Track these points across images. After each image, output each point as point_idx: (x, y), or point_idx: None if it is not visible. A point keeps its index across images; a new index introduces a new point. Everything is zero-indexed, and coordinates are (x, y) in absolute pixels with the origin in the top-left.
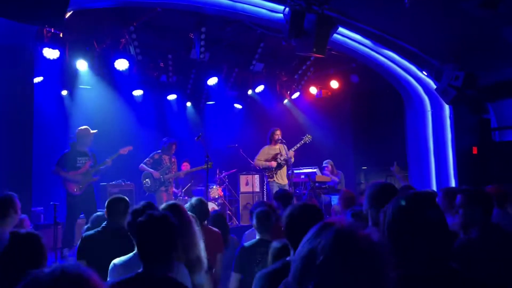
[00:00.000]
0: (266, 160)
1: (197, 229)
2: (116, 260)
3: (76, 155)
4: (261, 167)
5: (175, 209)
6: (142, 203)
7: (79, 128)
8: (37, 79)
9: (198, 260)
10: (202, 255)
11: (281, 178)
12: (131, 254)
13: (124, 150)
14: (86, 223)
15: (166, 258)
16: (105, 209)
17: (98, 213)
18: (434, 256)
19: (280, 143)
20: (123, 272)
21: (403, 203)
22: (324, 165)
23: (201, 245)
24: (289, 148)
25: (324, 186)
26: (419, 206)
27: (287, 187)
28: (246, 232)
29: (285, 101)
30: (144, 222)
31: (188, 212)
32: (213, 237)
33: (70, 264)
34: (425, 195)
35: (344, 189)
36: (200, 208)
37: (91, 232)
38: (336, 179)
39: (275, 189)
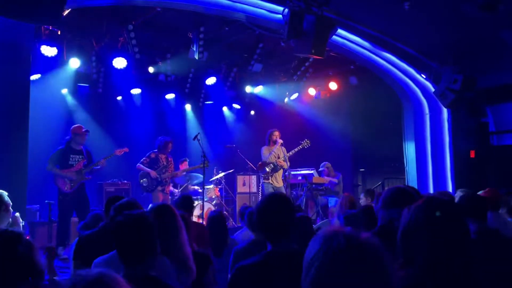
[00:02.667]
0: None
1: (185, 234)
2: (97, 260)
3: (69, 152)
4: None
5: (164, 210)
6: (125, 199)
7: (74, 125)
8: (35, 77)
9: (184, 264)
10: (189, 259)
11: (276, 181)
12: (112, 252)
13: (120, 151)
14: (79, 222)
15: (146, 258)
16: (104, 208)
17: (96, 212)
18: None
19: (280, 145)
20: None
21: (437, 213)
22: (321, 168)
23: (189, 250)
24: (287, 151)
25: (321, 187)
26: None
27: (282, 189)
28: (237, 232)
29: (285, 101)
30: (122, 221)
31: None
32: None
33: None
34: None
35: (345, 193)
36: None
37: (88, 231)
38: (335, 180)
39: (269, 190)
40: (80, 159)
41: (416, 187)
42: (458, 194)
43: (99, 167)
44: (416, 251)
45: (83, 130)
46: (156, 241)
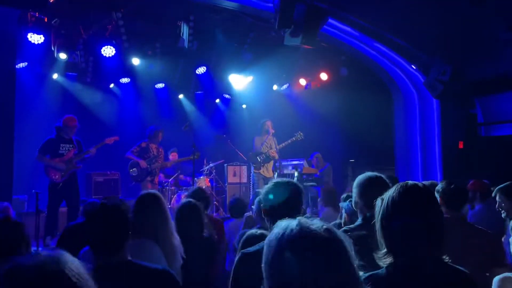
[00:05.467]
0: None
1: (172, 221)
2: (85, 249)
3: (59, 141)
4: (260, 152)
5: (153, 199)
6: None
7: (66, 116)
8: (22, 65)
9: (171, 248)
10: (176, 244)
11: (267, 171)
12: None
13: (110, 140)
14: (68, 212)
15: (118, 248)
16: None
17: (92, 200)
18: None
19: (272, 135)
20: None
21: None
22: (311, 158)
23: (176, 236)
24: (278, 143)
25: (311, 178)
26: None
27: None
28: (229, 222)
29: (274, 88)
30: (92, 213)
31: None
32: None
33: (52, 253)
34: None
35: (325, 184)
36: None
37: (74, 222)
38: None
39: (260, 181)
40: (70, 148)
41: (405, 177)
42: (440, 184)
43: (89, 155)
44: (395, 239)
45: (73, 123)
46: (127, 227)
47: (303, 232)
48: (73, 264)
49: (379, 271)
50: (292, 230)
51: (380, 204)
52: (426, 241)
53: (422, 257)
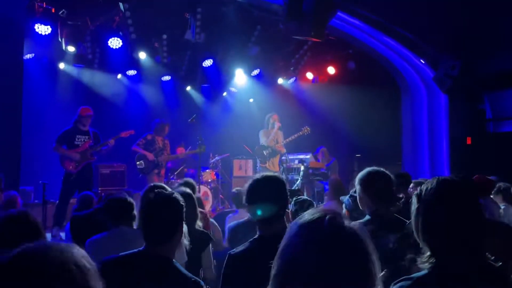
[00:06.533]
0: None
1: None
2: (91, 239)
3: (75, 133)
4: (266, 146)
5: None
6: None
7: (82, 107)
8: (28, 56)
9: None
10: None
11: (273, 165)
12: (103, 233)
13: (125, 134)
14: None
15: (170, 238)
16: (99, 191)
17: (86, 192)
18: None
19: (279, 129)
20: (98, 248)
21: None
22: (316, 152)
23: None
24: (284, 137)
25: (318, 172)
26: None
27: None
28: (229, 215)
29: (280, 84)
30: (154, 200)
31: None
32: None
33: (60, 243)
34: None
35: (332, 176)
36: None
37: (81, 212)
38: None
39: None
40: (86, 140)
41: (412, 173)
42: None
43: (106, 146)
44: (441, 239)
45: (87, 113)
46: (182, 223)
47: (336, 227)
48: (79, 257)
49: (424, 272)
50: (324, 221)
51: (416, 201)
52: (471, 239)
53: (468, 257)
